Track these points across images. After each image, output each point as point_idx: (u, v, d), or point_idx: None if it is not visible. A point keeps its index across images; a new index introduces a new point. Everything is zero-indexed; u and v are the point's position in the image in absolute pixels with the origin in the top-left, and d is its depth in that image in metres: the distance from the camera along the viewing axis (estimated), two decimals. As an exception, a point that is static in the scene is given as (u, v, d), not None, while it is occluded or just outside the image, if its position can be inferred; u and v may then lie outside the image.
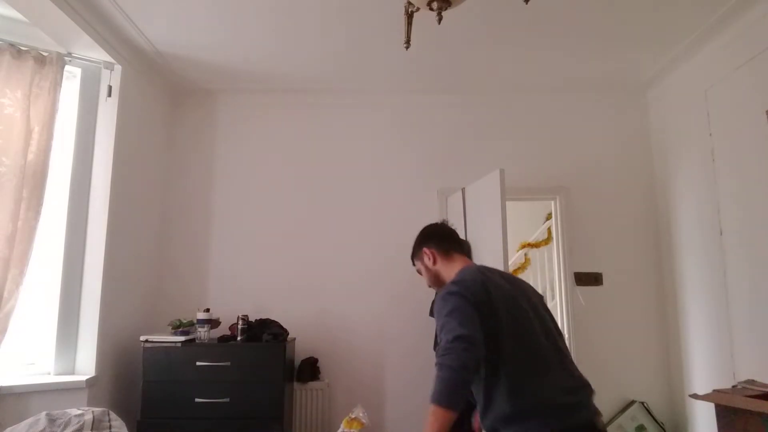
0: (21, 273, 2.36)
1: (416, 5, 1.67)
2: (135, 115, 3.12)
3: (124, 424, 1.93)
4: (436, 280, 1.82)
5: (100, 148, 2.86)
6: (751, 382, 2.30)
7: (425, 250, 1.82)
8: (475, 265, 1.75)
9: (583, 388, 1.66)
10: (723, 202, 2.84)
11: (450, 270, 1.76)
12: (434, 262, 1.80)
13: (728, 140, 2.80)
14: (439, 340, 1.46)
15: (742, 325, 2.68)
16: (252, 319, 3.14)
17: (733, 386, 2.38)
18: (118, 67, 2.92)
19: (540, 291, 5.42)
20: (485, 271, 1.66)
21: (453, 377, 1.31)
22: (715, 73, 2.88)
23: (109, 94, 2.86)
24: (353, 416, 1.93)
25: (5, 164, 2.38)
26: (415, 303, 3.43)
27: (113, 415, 1.92)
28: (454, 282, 1.61)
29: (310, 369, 3.29)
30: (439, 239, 1.83)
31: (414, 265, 1.90)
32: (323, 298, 3.47)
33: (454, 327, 1.40)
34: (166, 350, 2.87)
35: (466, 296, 1.48)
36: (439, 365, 1.34)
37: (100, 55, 2.79)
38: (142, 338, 2.90)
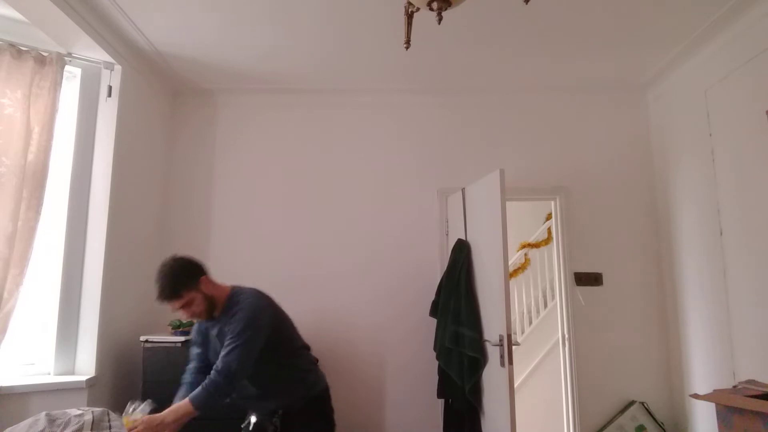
0: (21, 273, 2.36)
1: (416, 5, 1.66)
2: (135, 115, 3.12)
3: (123, 424, 1.93)
4: (210, 306, 2.00)
5: (100, 148, 2.86)
6: (752, 382, 2.30)
7: (205, 278, 2.00)
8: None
9: None
10: (723, 202, 2.84)
11: (221, 292, 2.05)
12: (210, 288, 2.01)
13: (728, 140, 2.80)
14: (229, 359, 1.91)
15: (742, 325, 2.67)
16: (252, 319, 3.14)
17: (734, 386, 2.38)
18: (118, 67, 2.92)
19: (540, 291, 5.43)
20: None
21: None
22: (715, 73, 2.88)
23: (109, 94, 2.86)
24: (131, 416, 1.91)
25: (5, 164, 2.38)
26: (415, 303, 3.44)
27: (113, 415, 1.92)
28: (253, 295, 2.05)
29: (310, 369, 3.29)
30: (202, 267, 2.02)
31: (179, 299, 1.93)
32: (323, 298, 3.47)
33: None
34: (166, 350, 2.87)
35: None
36: (215, 379, 1.93)
37: (100, 55, 2.79)
38: (142, 338, 2.90)
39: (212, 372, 1.92)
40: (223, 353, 1.92)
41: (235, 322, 1.95)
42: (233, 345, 1.92)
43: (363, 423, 3.37)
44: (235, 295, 2.06)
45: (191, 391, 1.94)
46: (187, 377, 2.15)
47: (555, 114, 3.69)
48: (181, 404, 1.88)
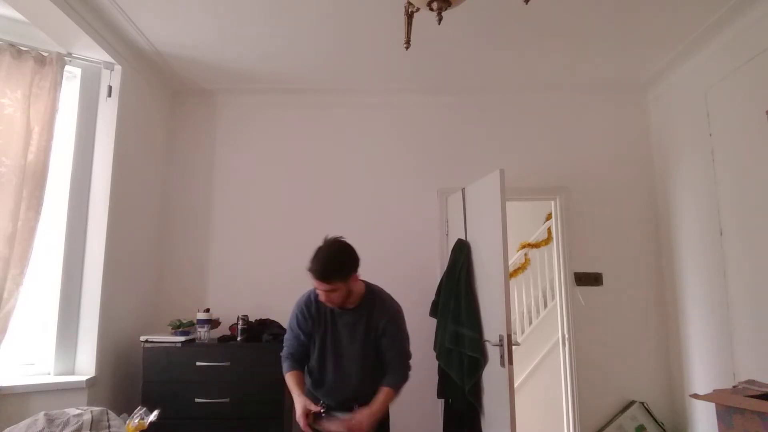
0: (21, 273, 2.36)
1: (416, 5, 1.67)
2: (135, 115, 3.12)
3: (123, 423, 1.93)
4: (344, 300, 2.05)
5: (100, 148, 2.86)
6: (752, 382, 2.30)
7: (356, 274, 2.04)
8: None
9: None
10: (723, 202, 2.84)
11: (359, 287, 2.11)
12: (354, 284, 2.05)
13: (728, 140, 2.79)
14: (403, 348, 2.15)
15: (742, 325, 2.67)
16: (252, 319, 3.14)
17: (734, 386, 2.38)
18: (118, 67, 2.92)
19: (540, 291, 5.42)
20: None
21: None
22: (715, 73, 2.88)
23: (109, 94, 2.86)
24: (135, 422, 1.92)
25: (5, 164, 2.38)
26: (415, 303, 3.43)
27: (112, 415, 1.92)
28: (394, 300, 2.19)
29: (310, 369, 3.29)
30: (357, 262, 2.07)
31: (327, 284, 1.94)
32: (323, 298, 3.47)
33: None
34: (166, 350, 2.87)
35: None
36: (406, 371, 2.13)
37: (100, 55, 2.79)
38: (142, 338, 2.90)
39: (402, 365, 2.13)
40: (396, 346, 2.12)
41: (390, 320, 2.12)
42: (399, 339, 2.14)
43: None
44: (373, 292, 2.17)
45: (296, 368, 2.10)
46: (289, 358, 2.15)
47: (555, 114, 3.69)
48: (384, 395, 2.01)
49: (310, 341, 2.14)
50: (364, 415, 1.95)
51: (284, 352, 2.18)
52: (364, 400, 2.05)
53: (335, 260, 1.97)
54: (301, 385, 2.06)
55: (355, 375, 2.10)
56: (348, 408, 2.07)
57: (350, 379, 2.11)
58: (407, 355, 2.15)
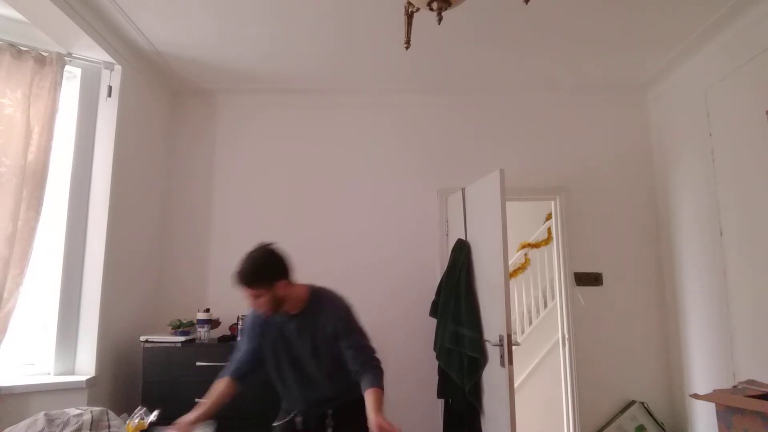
0: (21, 273, 2.36)
1: (416, 5, 1.67)
2: (135, 115, 3.13)
3: (123, 423, 1.93)
4: (276, 306, 1.95)
5: (100, 148, 2.86)
6: (752, 382, 2.30)
7: (283, 282, 1.93)
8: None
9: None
10: (723, 202, 2.84)
11: (297, 293, 2.02)
12: (284, 290, 1.94)
13: (728, 140, 2.79)
14: (362, 342, 2.01)
15: (742, 325, 2.67)
16: (252, 319, 3.14)
17: (734, 386, 2.38)
18: (118, 67, 2.92)
19: (540, 291, 5.42)
20: None
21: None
22: (715, 73, 2.88)
23: (109, 94, 2.86)
24: (135, 422, 1.92)
25: (5, 164, 2.38)
26: (415, 303, 3.44)
27: (112, 415, 1.92)
28: (341, 298, 2.10)
29: (310, 369, 3.29)
30: (286, 269, 1.97)
31: (250, 289, 1.87)
32: (323, 298, 3.47)
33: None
34: (166, 350, 2.87)
35: None
36: (377, 365, 1.98)
37: (100, 55, 2.79)
38: (142, 338, 2.90)
39: (367, 358, 1.98)
40: (354, 344, 1.99)
41: (339, 318, 2.02)
42: (356, 334, 2.02)
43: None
44: (317, 295, 2.08)
45: (229, 377, 2.03)
46: (231, 364, 2.11)
47: (555, 114, 3.69)
48: (375, 395, 1.88)
49: (259, 356, 2.09)
50: (377, 422, 1.81)
51: (228, 364, 2.12)
52: (337, 403, 2.01)
53: (256, 266, 1.89)
54: (219, 398, 1.99)
55: (317, 380, 2.04)
56: (322, 414, 2.01)
57: (314, 385, 2.06)
58: (371, 349, 2.03)
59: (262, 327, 2.07)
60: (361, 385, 1.94)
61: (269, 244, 1.98)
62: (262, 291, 1.88)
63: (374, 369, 1.96)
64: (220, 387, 2.01)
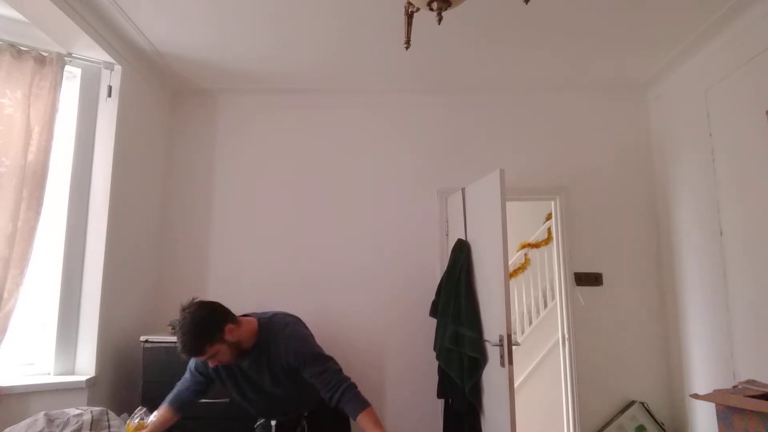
0: (21, 273, 2.36)
1: (416, 5, 1.66)
2: (135, 116, 3.13)
3: (123, 423, 1.93)
4: (236, 351, 1.91)
5: (100, 148, 2.86)
6: (752, 382, 2.30)
7: (229, 326, 1.87)
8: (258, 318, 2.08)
9: None
10: (723, 202, 2.84)
11: (247, 329, 1.97)
12: (235, 333, 1.89)
13: (728, 140, 2.79)
14: (323, 368, 1.93)
15: (742, 325, 2.67)
16: (252, 319, 3.14)
17: (734, 386, 2.38)
18: (118, 67, 2.92)
19: (540, 291, 5.41)
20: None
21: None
22: (715, 73, 2.88)
23: (109, 95, 2.86)
24: (135, 422, 1.93)
25: (5, 164, 2.38)
26: (415, 303, 3.44)
27: (112, 415, 1.92)
28: (291, 326, 2.04)
29: (310, 369, 3.29)
30: (225, 315, 1.91)
31: (204, 354, 1.81)
32: (323, 297, 3.47)
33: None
34: (166, 350, 2.87)
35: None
36: (350, 384, 1.90)
37: (100, 55, 2.79)
38: (142, 338, 2.90)
39: (336, 382, 1.91)
40: (317, 372, 1.93)
41: (291, 348, 1.96)
42: (312, 359, 1.96)
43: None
44: (265, 327, 2.02)
45: (171, 405, 2.03)
46: (175, 392, 2.09)
47: (555, 114, 3.69)
48: (368, 416, 1.81)
49: (205, 387, 2.08)
50: None
51: (175, 388, 2.10)
52: (307, 409, 2.05)
53: (198, 330, 1.79)
54: (159, 427, 1.97)
55: (284, 400, 2.04)
56: (296, 419, 2.08)
57: (282, 403, 2.06)
58: (334, 371, 1.95)
59: (216, 370, 2.01)
60: (347, 411, 1.87)
61: (194, 300, 1.88)
62: (215, 348, 1.82)
63: (350, 391, 1.88)
64: (162, 415, 2.00)
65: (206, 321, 1.82)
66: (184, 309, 1.83)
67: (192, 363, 2.06)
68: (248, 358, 1.97)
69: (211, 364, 1.89)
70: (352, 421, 1.97)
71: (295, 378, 1.97)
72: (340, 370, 1.96)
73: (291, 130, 3.68)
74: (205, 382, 2.07)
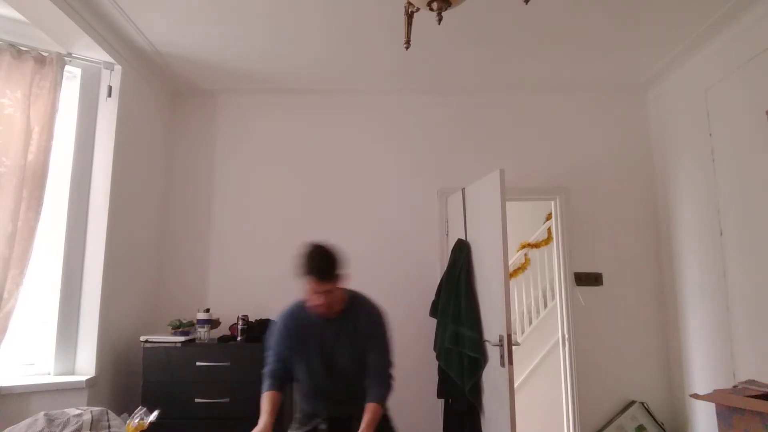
0: (21, 273, 2.36)
1: (416, 5, 1.67)
2: (135, 116, 3.13)
3: (123, 423, 1.93)
4: (335, 303, 1.97)
5: (100, 148, 2.86)
6: (752, 382, 2.29)
7: (343, 280, 1.95)
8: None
9: None
10: (723, 202, 2.84)
11: (341, 293, 2.01)
12: (342, 286, 1.98)
13: (728, 140, 2.79)
14: (385, 355, 2.05)
15: (742, 325, 2.67)
16: (252, 319, 3.14)
17: (734, 386, 2.38)
18: (118, 68, 2.92)
19: (540, 291, 5.40)
20: None
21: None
22: (715, 73, 2.88)
23: (109, 95, 2.86)
24: (135, 422, 1.92)
25: (5, 164, 2.38)
26: (415, 303, 3.43)
27: (112, 415, 1.92)
28: (376, 305, 2.11)
29: (310, 369, 3.29)
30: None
31: (327, 283, 1.87)
32: (323, 298, 3.47)
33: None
34: (166, 350, 2.87)
35: None
36: (390, 382, 2.02)
37: (100, 55, 2.79)
38: (142, 338, 2.90)
39: (385, 373, 2.02)
40: (379, 354, 2.02)
41: (376, 325, 2.06)
42: (385, 347, 2.04)
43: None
44: (355, 298, 2.09)
45: (275, 388, 1.99)
46: (270, 376, 2.06)
47: (555, 114, 3.69)
48: (373, 412, 1.89)
49: (293, 359, 2.07)
50: None
51: (266, 370, 2.08)
52: (357, 408, 1.98)
53: (331, 260, 1.89)
54: (274, 408, 1.95)
55: (350, 386, 2.04)
56: (346, 419, 2.02)
57: (345, 390, 2.05)
58: (391, 365, 2.06)
59: (298, 329, 2.04)
60: (368, 393, 1.96)
61: (323, 243, 1.97)
62: (330, 286, 1.88)
63: (386, 385, 2.00)
64: (270, 401, 1.96)
65: (339, 260, 1.92)
66: (312, 244, 1.94)
67: (276, 338, 2.07)
68: (335, 323, 2.01)
69: (317, 302, 1.89)
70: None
71: (364, 360, 2.01)
72: (393, 367, 2.07)
73: (291, 130, 3.68)
74: (289, 357, 2.07)
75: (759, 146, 2.55)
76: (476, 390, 2.91)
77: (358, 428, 1.87)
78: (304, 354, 2.04)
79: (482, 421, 2.93)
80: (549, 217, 4.71)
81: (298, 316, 2.07)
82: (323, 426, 2.05)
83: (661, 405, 3.35)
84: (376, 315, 2.08)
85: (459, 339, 2.92)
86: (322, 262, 1.87)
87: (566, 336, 3.46)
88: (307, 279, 1.87)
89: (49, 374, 2.62)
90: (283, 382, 2.07)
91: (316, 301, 1.90)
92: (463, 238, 3.17)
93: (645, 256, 3.53)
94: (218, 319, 3.16)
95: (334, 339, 2.02)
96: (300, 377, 2.09)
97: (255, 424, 2.67)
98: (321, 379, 2.04)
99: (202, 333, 3.00)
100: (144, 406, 2.07)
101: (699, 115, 3.03)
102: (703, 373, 3.03)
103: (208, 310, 3.07)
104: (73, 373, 2.67)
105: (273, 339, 2.11)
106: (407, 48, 1.84)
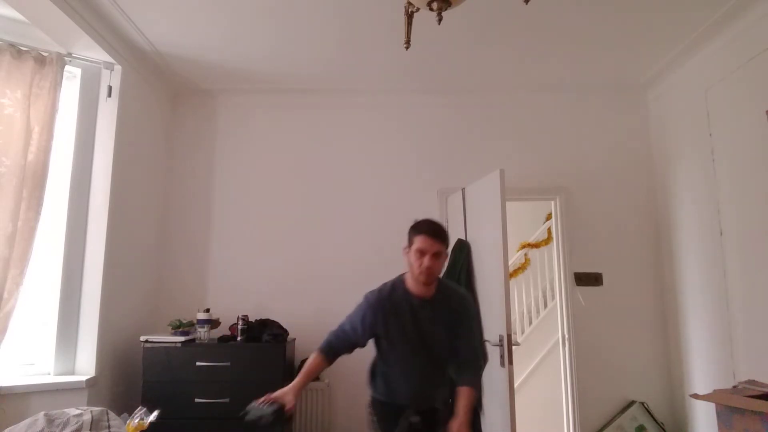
0: (21, 273, 2.36)
1: (416, 5, 1.67)
2: (135, 116, 3.13)
3: (123, 423, 1.93)
4: (434, 278, 1.94)
5: (100, 148, 2.86)
6: (752, 382, 2.30)
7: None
8: None
9: None
10: (723, 202, 2.83)
11: None
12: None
13: (728, 140, 2.79)
14: (479, 339, 2.03)
15: (742, 325, 2.67)
16: (252, 319, 3.14)
17: (734, 386, 2.38)
18: (118, 67, 2.92)
19: (540, 291, 5.40)
20: None
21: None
22: (715, 73, 2.88)
23: (109, 95, 2.86)
24: (135, 422, 1.92)
25: (5, 164, 2.38)
26: (415, 303, 3.43)
27: (112, 415, 1.92)
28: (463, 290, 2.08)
29: (310, 369, 3.28)
30: None
31: (439, 243, 1.89)
32: (323, 298, 3.47)
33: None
34: (166, 350, 2.87)
35: None
36: (482, 366, 2.05)
37: (100, 55, 2.79)
38: (142, 338, 2.90)
39: (475, 356, 2.01)
40: (471, 339, 2.00)
41: (468, 310, 2.02)
42: (477, 332, 2.08)
43: (363, 422, 3.36)
44: (444, 283, 2.05)
45: (325, 355, 1.97)
46: (330, 342, 2.03)
47: (555, 114, 3.69)
48: (468, 397, 1.85)
49: (363, 339, 2.00)
50: (459, 428, 1.78)
51: (330, 336, 2.04)
52: (444, 398, 1.95)
53: (440, 224, 1.94)
54: (312, 372, 1.94)
55: (441, 371, 1.99)
56: (432, 412, 1.97)
57: (436, 376, 1.99)
58: (483, 350, 2.06)
59: (392, 307, 1.97)
60: (461, 377, 1.92)
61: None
62: (441, 247, 1.89)
63: (479, 371, 2.05)
64: (313, 364, 1.96)
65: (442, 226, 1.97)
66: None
67: (358, 315, 2.02)
68: (429, 306, 1.96)
69: (426, 264, 1.86)
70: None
71: (455, 346, 1.97)
72: (486, 355, 2.11)
73: (291, 130, 3.68)
74: (361, 337, 2.01)
75: (759, 146, 2.55)
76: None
77: (444, 418, 1.84)
78: (398, 335, 1.96)
79: (482, 421, 2.93)
80: (549, 217, 4.70)
81: (394, 295, 2.00)
82: (415, 419, 1.94)
83: (661, 405, 3.35)
84: (467, 299, 2.05)
85: (459, 339, 2.92)
86: (436, 224, 1.92)
87: (566, 336, 3.46)
88: (420, 238, 1.89)
89: (49, 374, 2.62)
90: (335, 355, 2.01)
91: (425, 263, 1.86)
92: (463, 238, 3.17)
93: (645, 256, 3.53)
94: (218, 319, 3.16)
95: (431, 321, 1.95)
96: (389, 360, 2.00)
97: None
98: (414, 363, 1.97)
99: (202, 333, 3.00)
100: (144, 406, 2.07)
101: (699, 115, 3.03)
102: (703, 373, 3.03)
103: (208, 310, 3.07)
104: (73, 373, 2.67)
105: (356, 315, 2.04)
106: (407, 48, 1.85)
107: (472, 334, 2.01)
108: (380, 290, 2.04)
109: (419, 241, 1.89)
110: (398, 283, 2.04)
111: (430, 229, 1.89)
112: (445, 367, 2.00)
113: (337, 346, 2.02)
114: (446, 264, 2.10)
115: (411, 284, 1.98)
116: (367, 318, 1.99)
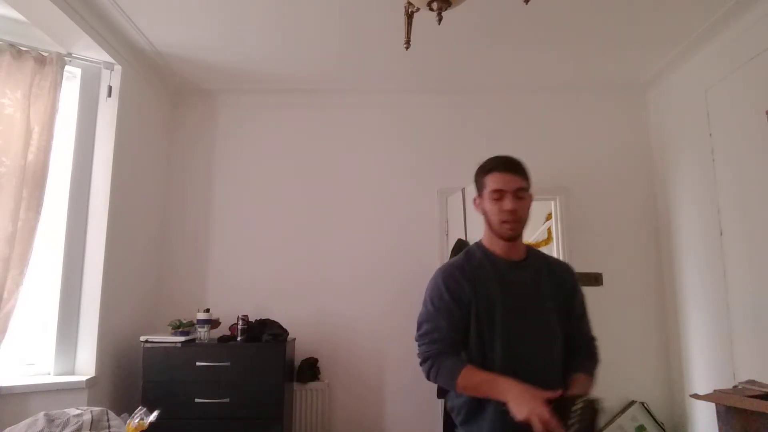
0: (21, 273, 2.36)
1: (416, 5, 1.67)
2: (135, 116, 3.12)
3: (123, 423, 1.93)
4: (524, 224, 1.52)
5: (100, 148, 2.86)
6: (752, 382, 2.29)
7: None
8: None
9: None
10: (723, 202, 2.83)
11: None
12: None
13: (728, 140, 2.79)
14: (589, 318, 1.67)
15: (742, 325, 2.67)
16: (252, 319, 3.14)
17: (734, 386, 2.38)
18: (118, 68, 2.92)
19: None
20: None
21: None
22: (715, 73, 2.88)
23: (109, 95, 2.86)
24: (135, 422, 1.91)
25: (5, 164, 2.38)
26: (415, 303, 3.41)
27: (112, 415, 1.92)
28: None
29: (310, 369, 3.29)
30: None
31: (519, 178, 1.54)
32: (323, 298, 3.47)
33: None
34: (166, 350, 2.87)
35: None
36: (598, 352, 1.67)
37: (100, 55, 2.79)
38: (142, 338, 2.90)
39: (592, 338, 1.70)
40: (584, 315, 1.66)
41: (575, 279, 1.62)
42: (586, 309, 1.65)
43: (363, 423, 3.37)
44: (533, 249, 1.64)
45: (460, 363, 1.46)
46: (448, 352, 1.55)
47: (555, 114, 3.69)
48: (588, 387, 1.52)
49: (467, 318, 1.49)
50: None
51: (431, 349, 1.54)
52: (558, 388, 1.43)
53: (519, 161, 1.52)
54: (491, 374, 1.41)
55: (554, 351, 1.52)
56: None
57: (548, 357, 1.50)
58: (593, 333, 1.63)
59: (471, 281, 1.50)
60: (577, 364, 1.58)
61: None
62: (524, 182, 1.49)
63: (597, 358, 1.69)
64: (474, 368, 1.46)
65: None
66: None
67: (442, 294, 1.58)
68: (523, 267, 1.52)
69: (507, 207, 1.46)
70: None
71: (575, 324, 1.62)
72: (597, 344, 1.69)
73: (291, 130, 3.68)
74: (463, 319, 1.53)
75: (759, 146, 2.55)
76: (476, 390, 2.88)
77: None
78: (485, 309, 1.47)
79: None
80: (549, 217, 4.70)
81: (473, 260, 1.53)
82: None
83: (661, 405, 3.35)
84: (570, 267, 1.63)
85: (459, 339, 2.91)
86: (509, 157, 1.53)
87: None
88: (493, 176, 1.49)
89: (49, 374, 2.62)
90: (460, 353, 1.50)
91: (507, 205, 1.45)
92: (463, 238, 3.17)
93: (645, 256, 3.53)
94: (218, 319, 3.16)
95: (534, 285, 1.50)
96: (486, 348, 1.47)
97: (255, 424, 2.65)
98: (524, 345, 1.45)
99: (202, 333, 3.00)
100: (144, 406, 2.07)
101: (699, 115, 3.03)
102: (703, 373, 3.03)
103: (208, 310, 3.07)
104: (73, 373, 2.67)
105: (437, 294, 1.58)
106: (407, 48, 1.84)
107: (586, 311, 1.63)
108: (455, 259, 1.60)
109: (493, 180, 1.48)
110: (473, 249, 1.59)
111: (505, 163, 1.50)
112: (561, 346, 1.57)
113: (456, 345, 1.54)
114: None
115: (492, 244, 1.53)
116: (451, 288, 1.52)
